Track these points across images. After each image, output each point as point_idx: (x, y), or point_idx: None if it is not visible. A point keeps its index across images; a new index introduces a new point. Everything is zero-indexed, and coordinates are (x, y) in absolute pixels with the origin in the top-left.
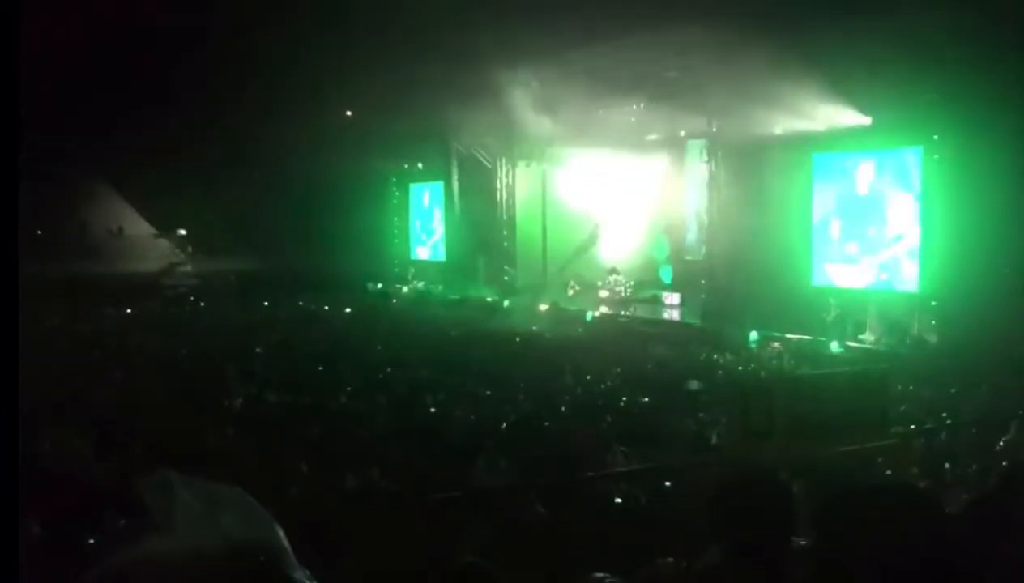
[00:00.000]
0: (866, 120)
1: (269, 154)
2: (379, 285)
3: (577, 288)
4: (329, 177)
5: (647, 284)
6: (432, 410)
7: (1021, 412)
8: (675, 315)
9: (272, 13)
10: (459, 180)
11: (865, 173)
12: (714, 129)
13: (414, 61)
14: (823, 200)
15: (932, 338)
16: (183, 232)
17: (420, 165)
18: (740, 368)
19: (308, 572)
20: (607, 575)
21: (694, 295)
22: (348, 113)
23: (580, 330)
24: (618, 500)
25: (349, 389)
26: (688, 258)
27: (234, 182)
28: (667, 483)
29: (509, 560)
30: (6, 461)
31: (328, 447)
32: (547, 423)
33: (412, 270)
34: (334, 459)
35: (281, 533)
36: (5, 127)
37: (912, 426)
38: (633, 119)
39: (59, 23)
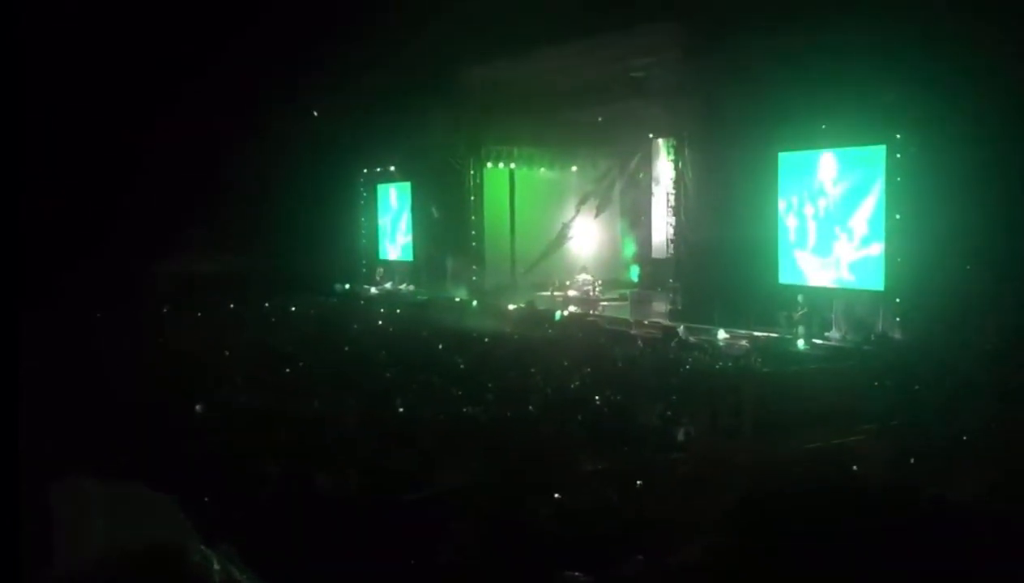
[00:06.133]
0: (830, 118)
1: (233, 153)
2: (347, 286)
3: (556, 283)
4: (295, 177)
5: (616, 283)
6: (400, 411)
7: (984, 405)
8: (643, 313)
9: (241, 12)
10: (427, 180)
11: (829, 171)
12: (680, 128)
13: (380, 61)
14: (789, 198)
15: (896, 335)
16: None
17: (388, 165)
18: (708, 366)
19: (249, 573)
20: (580, 574)
21: (662, 294)
22: (314, 113)
23: (549, 330)
24: (588, 499)
25: (317, 391)
26: (656, 257)
27: (196, 181)
28: (637, 482)
29: (482, 559)
30: (6, 461)
31: (298, 449)
32: (516, 422)
33: (380, 270)
34: (304, 461)
35: (196, 535)
36: (7, 129)
37: (876, 424)
38: (601, 118)
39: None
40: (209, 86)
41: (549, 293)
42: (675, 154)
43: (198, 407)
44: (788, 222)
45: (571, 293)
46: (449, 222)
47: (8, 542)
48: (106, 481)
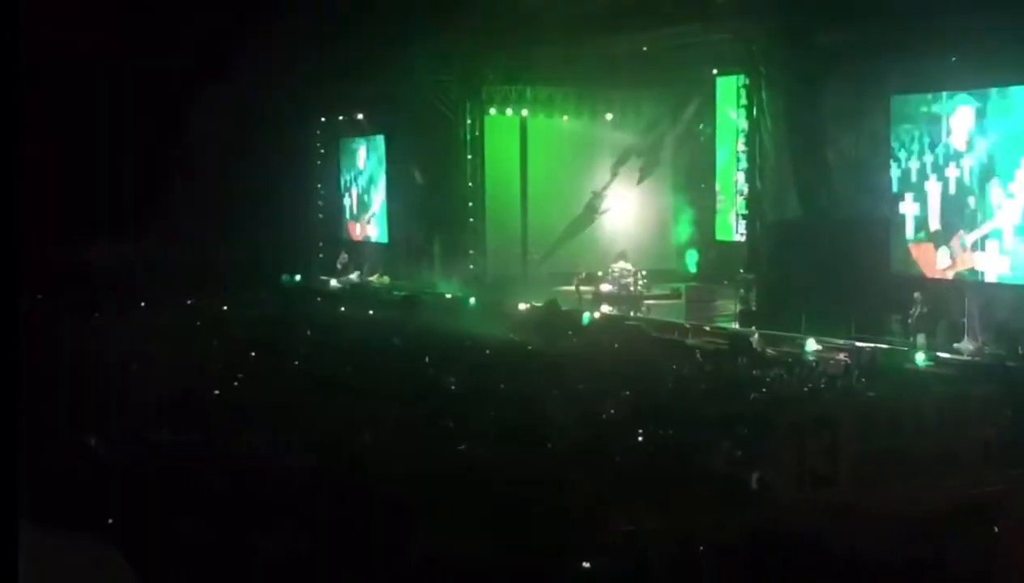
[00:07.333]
0: (962, 49)
1: (138, 98)
2: (297, 277)
3: (583, 276)
4: (224, 129)
5: (665, 275)
6: (370, 449)
7: None
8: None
9: None
10: (407, 133)
11: (963, 120)
12: (756, 62)
13: None
14: (905, 157)
15: None
16: None
17: (354, 112)
18: (792, 388)
19: None
20: None
21: (729, 289)
22: (250, 39)
23: (574, 338)
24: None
25: (257, 422)
26: (721, 239)
27: (83, 137)
28: (691, 547)
29: None
30: (6, 461)
31: (230, 501)
32: (528, 464)
33: (343, 256)
34: (239, 517)
35: None
36: (6, 128)
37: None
38: (646, 48)
39: None
40: None
41: (573, 288)
42: (748, 98)
43: (92, 440)
44: (902, 190)
45: (604, 288)
46: (438, 190)
47: (8, 542)
48: (61, 535)
